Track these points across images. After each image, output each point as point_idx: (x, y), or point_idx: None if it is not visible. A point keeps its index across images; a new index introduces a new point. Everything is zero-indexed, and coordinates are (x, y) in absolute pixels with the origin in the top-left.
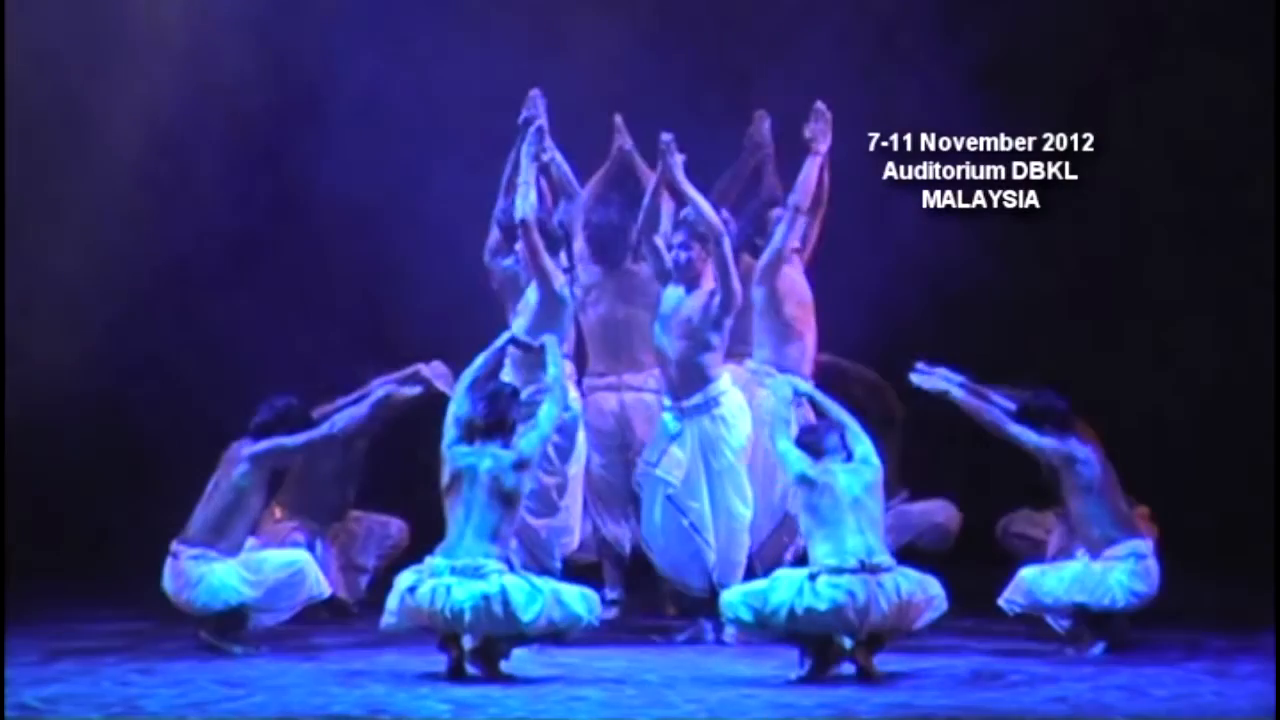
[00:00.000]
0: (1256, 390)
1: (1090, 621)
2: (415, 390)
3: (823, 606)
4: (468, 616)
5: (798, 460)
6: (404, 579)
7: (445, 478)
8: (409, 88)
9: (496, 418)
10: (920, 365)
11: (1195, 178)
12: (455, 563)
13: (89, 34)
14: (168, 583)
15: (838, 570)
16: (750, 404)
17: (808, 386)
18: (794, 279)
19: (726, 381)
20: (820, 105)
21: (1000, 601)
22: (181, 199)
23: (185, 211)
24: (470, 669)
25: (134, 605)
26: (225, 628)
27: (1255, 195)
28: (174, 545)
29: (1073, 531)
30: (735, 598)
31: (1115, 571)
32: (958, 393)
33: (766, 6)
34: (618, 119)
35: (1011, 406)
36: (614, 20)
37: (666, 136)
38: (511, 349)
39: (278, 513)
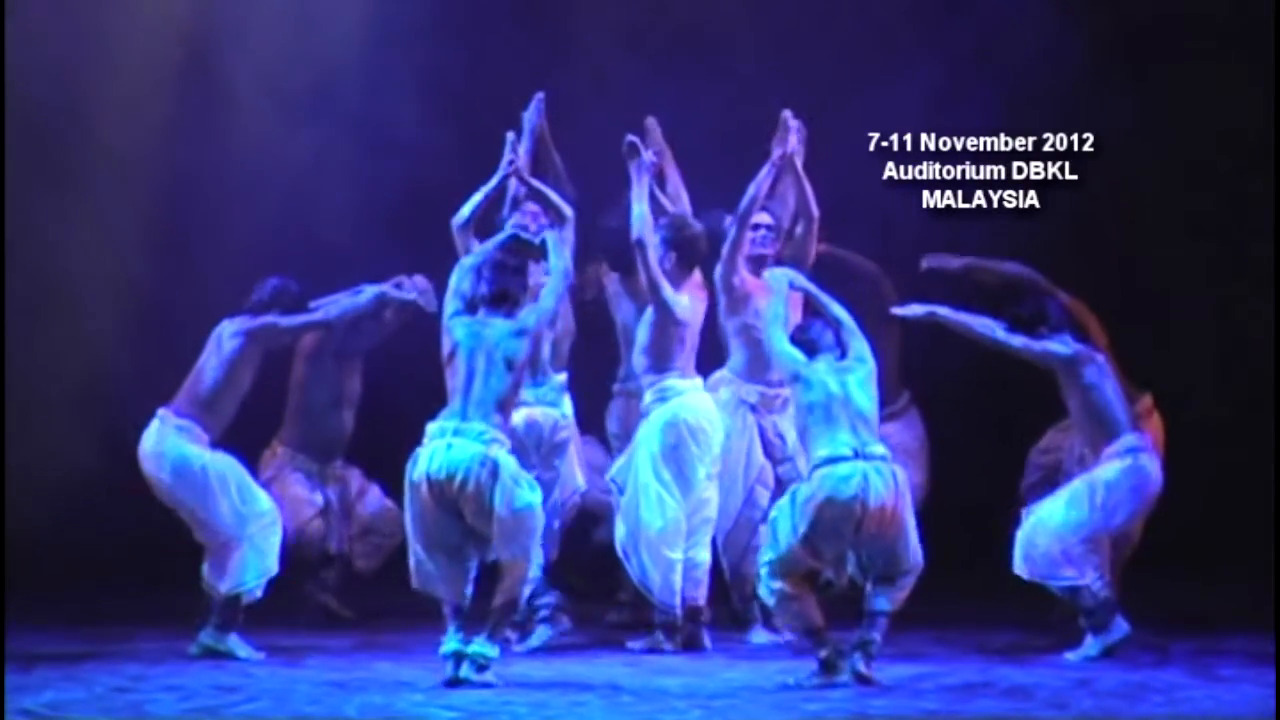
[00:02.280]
0: (1255, 394)
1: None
2: (411, 296)
3: (822, 496)
4: (459, 476)
5: (792, 358)
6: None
7: (445, 348)
8: (412, 87)
9: (501, 289)
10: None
11: (1196, 179)
12: (458, 425)
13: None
14: (151, 446)
15: (831, 460)
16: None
17: (804, 281)
18: (755, 287)
19: (676, 388)
20: (786, 114)
21: (1017, 570)
22: (190, 201)
23: (194, 212)
24: (471, 672)
25: (88, 614)
26: (225, 621)
27: (1256, 197)
28: (160, 411)
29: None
30: (762, 581)
31: (1111, 488)
32: (944, 312)
33: (767, 9)
34: (650, 121)
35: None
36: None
37: (631, 138)
38: None
39: (278, 450)
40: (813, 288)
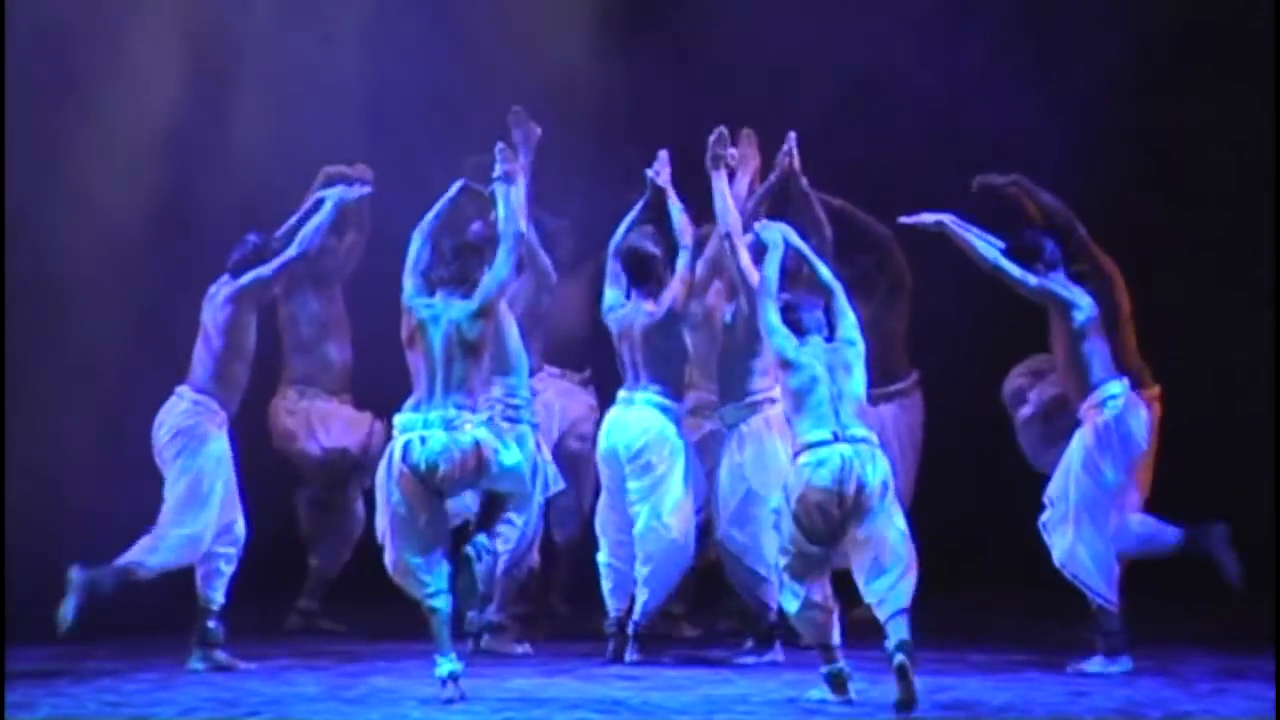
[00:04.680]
0: (1254, 413)
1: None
2: (364, 190)
3: (802, 485)
4: (442, 468)
5: (783, 340)
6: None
7: (405, 330)
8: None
9: (460, 273)
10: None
11: (1196, 188)
12: (428, 415)
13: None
14: (170, 420)
15: (810, 445)
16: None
17: (798, 240)
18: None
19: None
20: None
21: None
22: (193, 189)
23: (197, 200)
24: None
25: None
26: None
27: (1256, 203)
28: (178, 387)
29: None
30: (784, 587)
31: (1095, 449)
32: (951, 224)
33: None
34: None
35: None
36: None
37: (662, 154)
38: None
39: (287, 392)
40: (807, 250)
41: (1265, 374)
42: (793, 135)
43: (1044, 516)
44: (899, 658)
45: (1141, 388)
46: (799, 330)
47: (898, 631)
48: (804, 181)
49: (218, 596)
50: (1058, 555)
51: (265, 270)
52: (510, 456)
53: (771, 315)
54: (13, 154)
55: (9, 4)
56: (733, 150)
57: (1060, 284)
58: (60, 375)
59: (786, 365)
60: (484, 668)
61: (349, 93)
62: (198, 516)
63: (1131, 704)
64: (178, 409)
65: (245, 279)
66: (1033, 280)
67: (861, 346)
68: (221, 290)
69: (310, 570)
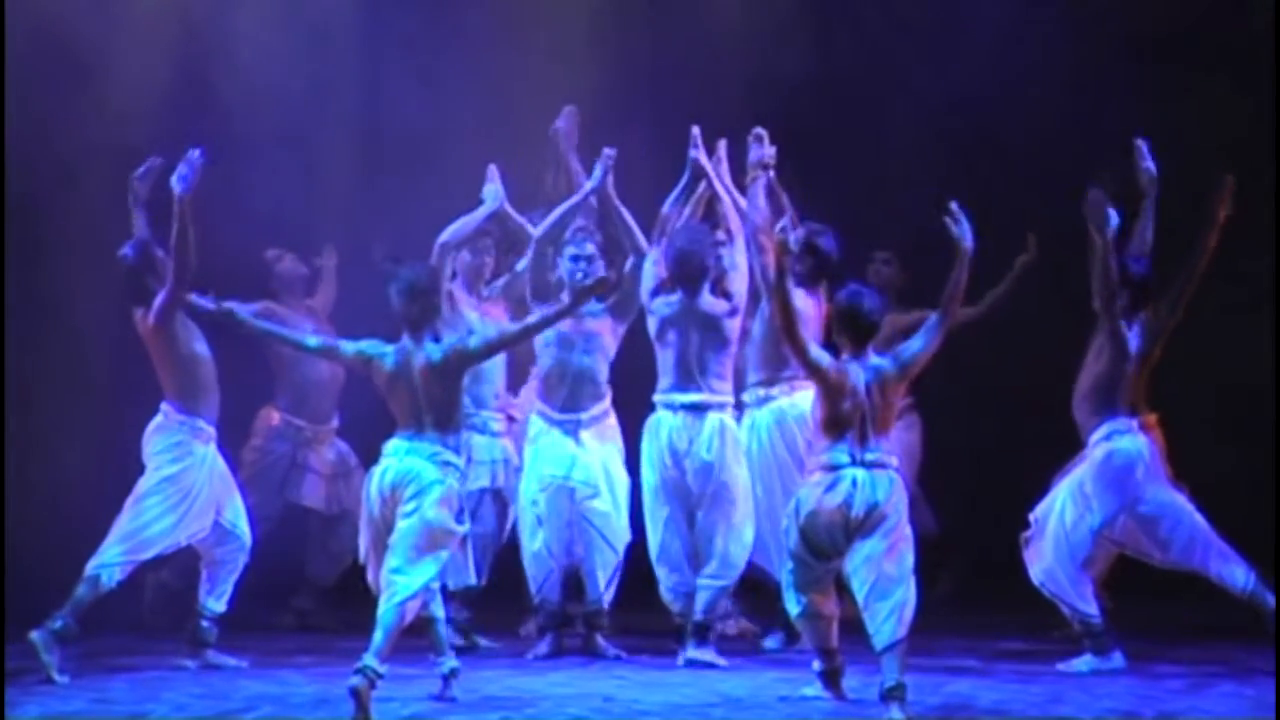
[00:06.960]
0: (1251, 409)
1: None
2: (195, 161)
3: (809, 507)
4: (402, 485)
5: (821, 367)
6: None
7: (379, 383)
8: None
9: (421, 314)
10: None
11: (1195, 195)
12: (415, 445)
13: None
14: (160, 439)
15: (825, 467)
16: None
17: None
18: None
19: None
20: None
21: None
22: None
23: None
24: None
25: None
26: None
27: (1257, 210)
28: (163, 405)
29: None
30: (787, 594)
31: (1093, 482)
32: (1107, 222)
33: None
34: (695, 131)
35: None
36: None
37: (609, 150)
38: None
39: (274, 417)
40: (966, 255)
41: (1265, 374)
42: (723, 144)
43: (1026, 533)
44: (894, 712)
45: (1138, 415)
46: (856, 324)
47: (890, 672)
48: (720, 186)
49: (217, 606)
50: (1034, 573)
51: (164, 296)
52: (440, 515)
53: (804, 343)
54: (14, 156)
55: (9, 3)
56: (694, 153)
57: (1136, 336)
58: (58, 382)
59: (821, 379)
60: (482, 669)
61: (348, 95)
62: (161, 517)
63: (1122, 702)
64: (164, 426)
65: (156, 308)
66: (1124, 327)
67: (907, 372)
68: (141, 326)
69: (306, 576)
